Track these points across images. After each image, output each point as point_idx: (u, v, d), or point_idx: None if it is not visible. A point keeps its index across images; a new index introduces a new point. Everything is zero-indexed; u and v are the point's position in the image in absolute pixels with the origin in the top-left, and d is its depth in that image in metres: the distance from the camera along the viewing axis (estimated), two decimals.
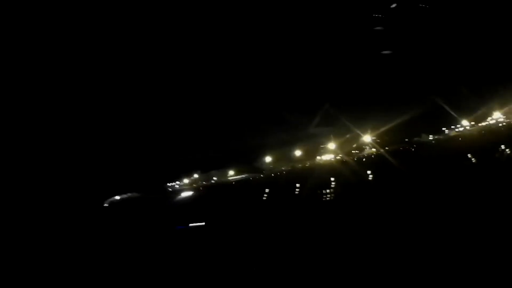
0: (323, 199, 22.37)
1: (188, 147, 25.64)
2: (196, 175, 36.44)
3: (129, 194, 30.69)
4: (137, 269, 12.98)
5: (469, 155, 22.58)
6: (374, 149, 32.98)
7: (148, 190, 27.44)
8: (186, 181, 35.56)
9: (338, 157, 33.47)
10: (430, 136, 34.10)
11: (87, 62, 20.98)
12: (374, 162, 29.88)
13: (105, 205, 27.84)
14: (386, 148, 31.28)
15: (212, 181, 36.31)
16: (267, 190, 25.88)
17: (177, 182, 34.85)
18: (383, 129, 30.47)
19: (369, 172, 25.49)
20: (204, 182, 36.96)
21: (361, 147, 34.30)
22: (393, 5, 22.95)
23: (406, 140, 32.64)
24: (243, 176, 34.70)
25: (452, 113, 28.73)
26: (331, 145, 33.70)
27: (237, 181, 34.16)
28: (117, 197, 28.30)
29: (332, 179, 24.34)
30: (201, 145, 26.49)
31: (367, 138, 32.27)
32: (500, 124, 28.97)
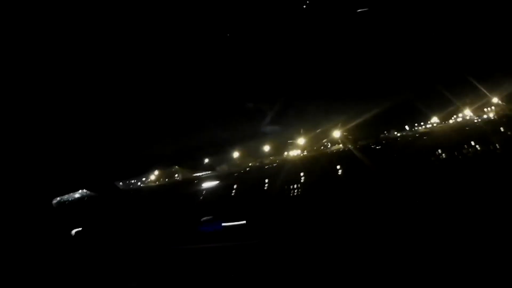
0: (292, 195, 21.95)
1: (145, 142, 23.75)
2: (156, 172, 35.06)
3: (81, 193, 28.52)
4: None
5: (438, 151, 22.86)
6: (340, 146, 32.86)
7: (100, 189, 25.31)
8: (145, 178, 34.17)
9: (302, 154, 33.28)
10: (397, 132, 34.41)
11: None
12: (340, 158, 29.76)
13: (54, 205, 25.44)
14: (354, 144, 31.14)
15: (176, 178, 35.17)
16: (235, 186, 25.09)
17: (135, 180, 33.32)
18: (349, 125, 30.20)
19: (337, 167, 25.12)
20: (167, 179, 35.73)
21: (324, 144, 34.32)
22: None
23: (374, 136, 32.66)
24: (208, 173, 33.43)
25: (422, 109, 28.95)
26: (297, 141, 33.31)
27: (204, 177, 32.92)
28: (65, 197, 26.17)
29: (302, 174, 23.82)
30: (161, 140, 24.68)
31: (335, 133, 31.96)
32: (474, 121, 29.77)
